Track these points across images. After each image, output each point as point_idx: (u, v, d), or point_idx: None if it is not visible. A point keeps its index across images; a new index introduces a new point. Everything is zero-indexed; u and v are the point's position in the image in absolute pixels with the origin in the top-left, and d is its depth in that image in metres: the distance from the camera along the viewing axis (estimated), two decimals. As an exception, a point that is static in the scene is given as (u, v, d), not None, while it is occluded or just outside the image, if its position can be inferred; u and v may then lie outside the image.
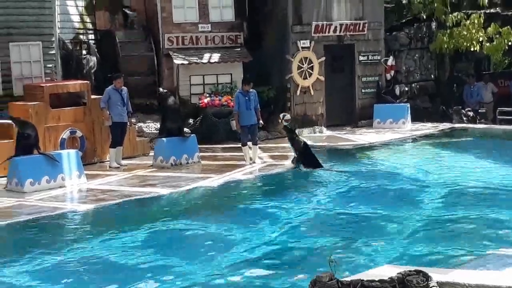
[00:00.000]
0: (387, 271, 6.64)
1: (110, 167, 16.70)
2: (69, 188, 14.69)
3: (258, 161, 16.81)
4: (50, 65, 19.42)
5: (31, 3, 19.06)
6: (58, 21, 19.90)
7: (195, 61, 20.58)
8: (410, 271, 6.30)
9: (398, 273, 6.25)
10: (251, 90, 16.87)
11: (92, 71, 20.84)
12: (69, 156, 15.14)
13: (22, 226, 11.99)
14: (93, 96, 17.58)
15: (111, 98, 16.53)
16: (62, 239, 11.28)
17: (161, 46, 20.99)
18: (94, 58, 21.01)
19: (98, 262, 10.04)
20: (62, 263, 9.99)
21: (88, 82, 18.17)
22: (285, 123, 16.97)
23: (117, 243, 10.89)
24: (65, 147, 16.60)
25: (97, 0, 21.96)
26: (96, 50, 21.35)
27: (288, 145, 17.03)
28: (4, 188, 14.57)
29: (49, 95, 16.92)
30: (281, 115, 17.32)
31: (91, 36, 21.69)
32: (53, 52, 19.46)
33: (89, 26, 21.79)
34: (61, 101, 17.34)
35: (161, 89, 18.12)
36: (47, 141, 16.49)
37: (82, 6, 21.47)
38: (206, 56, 20.84)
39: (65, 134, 16.92)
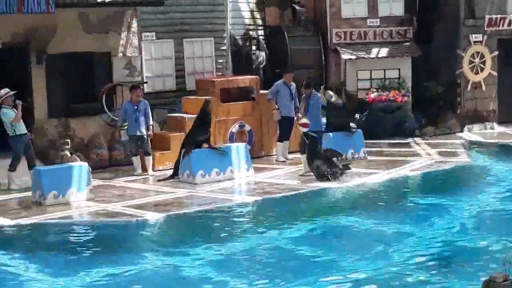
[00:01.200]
0: None
1: (276, 160, 16.94)
2: (238, 181, 15.03)
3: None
4: (221, 61, 19.95)
5: (205, 0, 19.67)
6: (229, 18, 20.40)
7: (363, 56, 20.46)
8: None
9: None
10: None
11: (261, 66, 21.19)
12: (238, 150, 15.50)
13: (193, 217, 12.40)
14: (261, 91, 17.89)
15: (279, 92, 16.76)
16: (232, 230, 11.57)
17: (328, 41, 21.03)
18: (263, 54, 21.35)
19: (267, 253, 10.22)
20: (234, 253, 10.24)
21: (257, 77, 18.53)
22: (303, 130, 15.48)
23: (285, 235, 11.03)
24: (234, 141, 17.02)
25: (267, -3, 22.30)
26: (265, 45, 21.69)
27: (457, 141, 16.59)
28: (178, 179, 15.13)
29: (220, 89, 17.40)
30: (299, 116, 16.08)
31: (261, 32, 22.05)
32: (224, 48, 19.98)
33: (259, 22, 22.16)
34: (231, 96, 17.78)
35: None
36: (217, 134, 16.96)
37: (253, 3, 21.87)
38: (374, 51, 20.66)
39: (234, 128, 17.34)
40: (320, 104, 16.14)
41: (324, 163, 14.70)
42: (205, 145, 15.29)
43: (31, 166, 14.55)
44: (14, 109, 14.57)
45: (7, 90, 14.72)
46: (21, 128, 14.66)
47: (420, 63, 20.67)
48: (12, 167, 14.75)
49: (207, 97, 16.54)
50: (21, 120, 14.61)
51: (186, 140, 15.41)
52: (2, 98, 14.63)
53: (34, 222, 12.20)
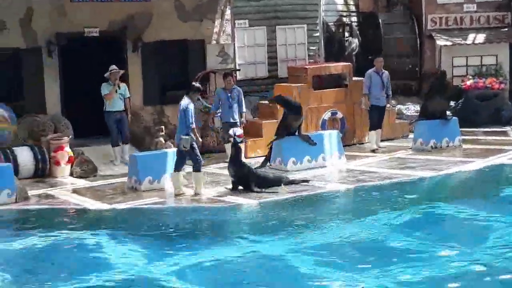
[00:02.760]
0: None
1: (369, 149, 16.77)
2: (329, 168, 14.97)
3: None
4: (314, 48, 19.90)
5: (298, -13, 19.64)
6: (322, 4, 20.32)
7: (459, 42, 20.06)
8: None
9: None
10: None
11: (354, 53, 21.04)
12: (330, 137, 15.43)
13: (285, 203, 12.42)
14: (354, 78, 17.75)
15: (371, 81, 16.54)
16: (325, 218, 11.50)
17: (423, 27, 20.69)
18: (356, 40, 21.19)
19: (360, 241, 10.12)
20: (325, 240, 10.20)
21: (350, 64, 18.37)
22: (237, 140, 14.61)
23: (378, 224, 10.91)
24: (325, 128, 16.96)
25: (361, -17, 22.10)
26: (358, 32, 21.51)
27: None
28: (269, 166, 15.17)
29: (312, 77, 17.34)
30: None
31: (354, 19, 21.88)
32: (317, 34, 19.92)
33: (352, 8, 21.99)
34: (323, 83, 17.70)
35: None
36: (309, 122, 16.93)
37: (346, -11, 21.73)
38: (471, 37, 20.23)
39: (326, 115, 17.27)
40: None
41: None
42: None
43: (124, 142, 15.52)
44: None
45: (114, 66, 15.25)
46: (114, 105, 15.35)
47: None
48: (113, 144, 15.51)
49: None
50: (115, 99, 15.33)
51: (278, 127, 15.42)
52: (109, 72, 15.21)
53: (129, 206, 12.47)
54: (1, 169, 13.20)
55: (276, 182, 13.41)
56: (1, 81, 15.43)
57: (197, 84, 13.74)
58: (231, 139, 14.42)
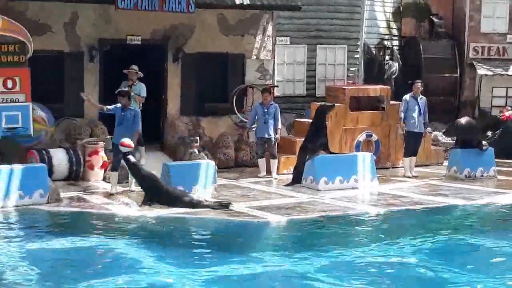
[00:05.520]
0: None
1: (404, 175, 16.59)
2: (361, 190, 14.91)
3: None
4: (353, 69, 19.91)
5: (342, 8, 19.67)
6: (365, 26, 20.32)
7: (500, 72, 19.90)
8: None
9: None
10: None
11: (393, 77, 20.99)
12: (364, 159, 15.37)
13: (315, 222, 12.38)
14: (392, 102, 17.68)
15: (408, 106, 16.39)
16: (352, 239, 11.48)
17: (465, 56, 20.58)
18: (396, 64, 21.14)
19: (388, 265, 10.07)
20: (354, 262, 10.15)
21: (388, 87, 18.34)
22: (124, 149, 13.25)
23: (406, 248, 10.83)
24: (360, 150, 16.90)
25: (405, 7, 22.05)
26: (398, 56, 21.46)
27: None
28: (301, 184, 15.15)
29: (349, 97, 17.32)
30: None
31: (395, 42, 21.85)
32: (357, 56, 19.93)
33: (394, 32, 21.97)
34: (360, 104, 17.67)
35: None
36: (343, 142, 16.91)
37: (389, 12, 21.71)
38: (512, 68, 20.08)
39: (361, 137, 17.22)
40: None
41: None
42: (323, 152, 15.19)
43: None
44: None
45: (133, 66, 15.44)
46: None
47: None
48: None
49: (329, 103, 16.45)
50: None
51: (305, 145, 15.35)
52: (128, 70, 15.35)
53: (159, 215, 12.52)
54: (36, 169, 13.37)
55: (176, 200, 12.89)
56: (43, 83, 15.62)
57: (125, 89, 14.26)
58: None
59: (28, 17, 15.36)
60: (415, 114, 16.28)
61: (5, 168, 12.99)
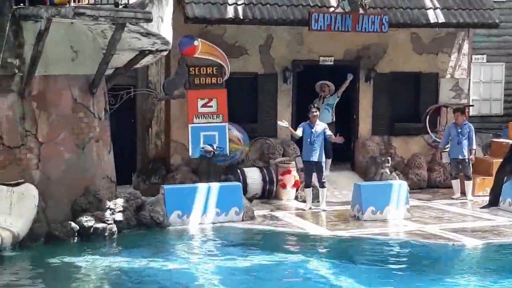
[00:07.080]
0: None
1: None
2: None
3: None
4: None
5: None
6: None
7: None
8: None
9: None
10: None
11: None
12: None
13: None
14: None
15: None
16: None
17: None
18: None
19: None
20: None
21: None
22: None
23: None
24: None
25: None
26: None
27: None
28: (498, 207, 14.54)
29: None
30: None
31: None
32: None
33: None
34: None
35: None
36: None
37: None
38: None
39: None
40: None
41: None
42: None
43: None
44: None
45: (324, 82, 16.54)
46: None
47: None
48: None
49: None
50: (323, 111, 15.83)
51: (503, 166, 14.76)
52: (320, 82, 16.42)
53: (350, 235, 12.52)
54: (232, 188, 13.79)
55: None
56: (239, 104, 16.13)
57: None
58: None
59: (225, 40, 15.92)
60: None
61: (203, 186, 13.51)
